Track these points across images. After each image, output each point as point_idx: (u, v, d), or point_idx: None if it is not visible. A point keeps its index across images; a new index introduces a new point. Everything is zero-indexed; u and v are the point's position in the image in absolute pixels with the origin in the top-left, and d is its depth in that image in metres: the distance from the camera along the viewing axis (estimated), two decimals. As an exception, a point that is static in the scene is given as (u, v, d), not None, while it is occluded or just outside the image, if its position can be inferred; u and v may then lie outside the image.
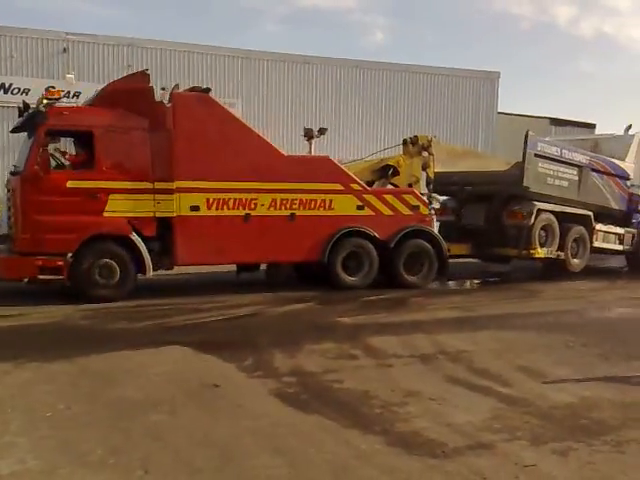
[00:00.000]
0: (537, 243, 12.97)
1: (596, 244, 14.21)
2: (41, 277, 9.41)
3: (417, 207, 11.75)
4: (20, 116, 10.26)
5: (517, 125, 26.10)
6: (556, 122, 31.76)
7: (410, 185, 12.38)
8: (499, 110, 29.22)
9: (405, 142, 12.86)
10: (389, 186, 12.55)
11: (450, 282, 13.14)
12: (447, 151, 14.41)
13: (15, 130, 10.85)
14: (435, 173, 13.13)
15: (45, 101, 9.81)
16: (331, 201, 11.06)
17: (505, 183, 13.23)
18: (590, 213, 13.96)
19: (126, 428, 4.65)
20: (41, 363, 6.40)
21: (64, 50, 19.62)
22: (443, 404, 5.32)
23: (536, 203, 12.92)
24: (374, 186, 12.35)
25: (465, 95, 27.61)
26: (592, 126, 29.71)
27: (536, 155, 12.79)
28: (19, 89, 18.11)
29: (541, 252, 13.07)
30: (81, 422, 4.79)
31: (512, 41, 64.18)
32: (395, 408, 5.19)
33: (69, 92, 19.95)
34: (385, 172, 12.62)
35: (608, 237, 14.62)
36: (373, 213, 11.40)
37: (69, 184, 9.56)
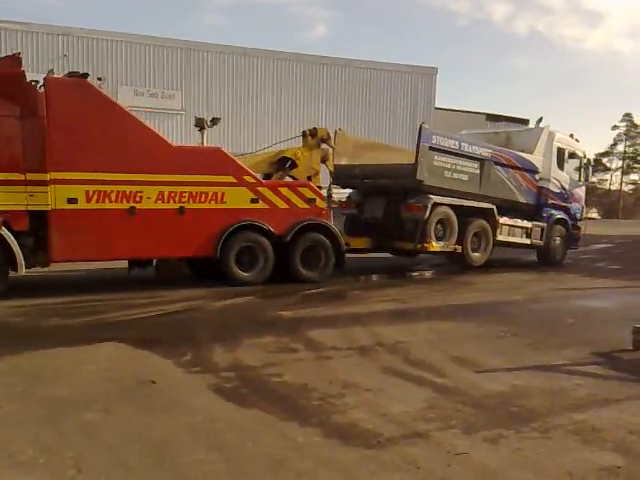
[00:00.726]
0: (433, 237, 12.99)
1: (500, 238, 14.32)
2: None
3: (313, 200, 11.50)
4: None
5: (454, 120, 26.68)
6: (492, 117, 32.63)
7: (309, 178, 12.12)
8: (437, 105, 29.77)
9: (304, 134, 12.61)
10: (287, 179, 12.36)
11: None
12: (354, 143, 14.58)
13: None
14: (337, 166, 13.31)
15: None
16: (223, 194, 10.69)
17: (400, 176, 13.14)
18: (493, 207, 14.02)
19: (58, 427, 4.54)
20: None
21: None
22: (379, 395, 5.41)
23: (432, 197, 12.86)
24: (272, 179, 12.15)
25: (404, 90, 28.03)
26: (525, 121, 30.67)
27: (431, 148, 12.79)
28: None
29: (436, 246, 13.10)
30: (12, 421, 4.65)
31: (449, 37, 65.37)
32: (333, 400, 5.25)
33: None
34: (283, 165, 12.37)
35: (514, 231, 14.72)
36: (267, 206, 11.08)
37: None
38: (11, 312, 8.62)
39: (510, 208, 14.58)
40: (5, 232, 9.14)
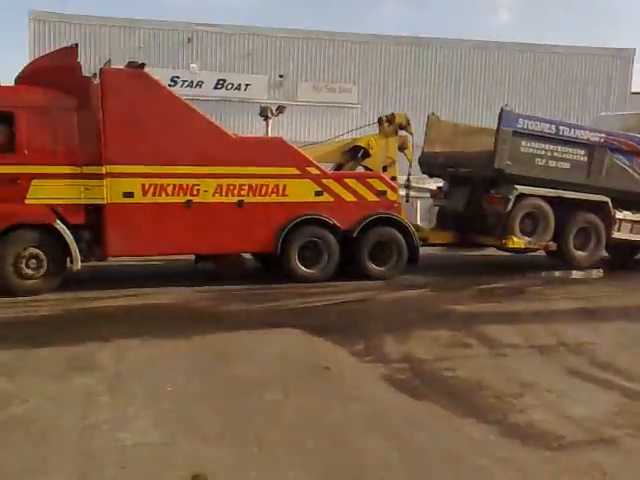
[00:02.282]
0: (517, 232, 11.40)
1: (618, 235, 12.13)
2: None
3: (384, 192, 10.67)
4: None
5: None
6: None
7: (384, 168, 11.19)
8: (633, 90, 27.45)
9: (380, 121, 11.60)
10: (360, 169, 11.52)
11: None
12: (452, 129, 13.37)
13: None
14: (426, 153, 12.50)
15: None
16: (285, 186, 10.09)
17: (480, 165, 11.72)
18: (606, 199, 11.92)
19: (241, 405, 4.82)
20: (163, 341, 6.71)
21: (188, 40, 20.23)
22: (562, 396, 5.10)
23: (517, 187, 11.32)
24: (343, 169, 11.42)
25: (594, 75, 26.12)
26: None
27: (516, 133, 11.24)
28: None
29: (519, 242, 11.43)
30: (199, 398, 5.01)
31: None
32: (509, 399, 5.04)
33: (192, 81, 20.77)
34: (355, 154, 11.47)
35: (639, 228, 12.32)
36: (333, 199, 10.38)
37: None
38: (196, 297, 9.21)
39: (630, 201, 12.34)
40: (60, 226, 9.21)
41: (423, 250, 11.14)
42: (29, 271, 8.97)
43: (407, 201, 11.77)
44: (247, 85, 21.61)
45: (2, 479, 3.70)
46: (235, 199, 9.83)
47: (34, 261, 8.99)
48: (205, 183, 9.67)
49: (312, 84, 23.58)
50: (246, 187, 9.89)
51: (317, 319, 7.96)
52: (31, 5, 31.25)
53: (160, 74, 18.63)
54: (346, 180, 10.58)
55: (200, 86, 20.96)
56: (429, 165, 12.96)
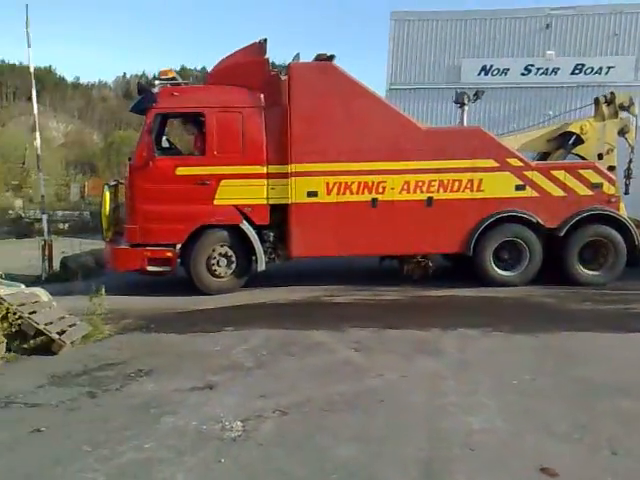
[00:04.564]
0: None
1: None
2: (150, 269, 8.95)
3: (599, 185, 9.32)
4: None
5: None
6: None
7: (600, 155, 9.82)
8: None
9: (597, 101, 10.25)
10: (570, 158, 10.11)
11: None
12: None
13: (131, 111, 10.20)
14: None
15: (157, 82, 9.21)
16: (480, 181, 9.19)
17: None
18: None
19: (591, 407, 4.49)
20: (506, 334, 6.65)
21: (547, 26, 19.56)
22: None
23: None
24: (550, 159, 10.16)
25: None
26: None
27: None
28: (498, 70, 18.88)
29: None
30: (545, 394, 4.78)
31: None
32: None
33: (547, 69, 20.13)
34: (565, 141, 10.14)
35: None
36: (537, 194, 9.29)
37: (178, 171, 8.95)
38: (545, 293, 8.88)
39: None
40: (246, 226, 9.09)
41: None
42: (220, 270, 9.13)
43: (626, 193, 10.04)
44: (609, 68, 20.00)
45: (361, 441, 4.11)
46: (424, 196, 9.22)
47: (224, 260, 9.14)
48: (391, 180, 9.20)
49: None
50: (436, 183, 9.21)
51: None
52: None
53: (512, 64, 18.48)
54: (553, 172, 9.43)
55: (555, 73, 20.10)
56: None
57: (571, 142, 10.21)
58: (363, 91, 9.21)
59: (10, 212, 20.90)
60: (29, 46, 10.65)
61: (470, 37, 18.82)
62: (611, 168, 9.76)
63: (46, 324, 6.17)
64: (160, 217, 8.87)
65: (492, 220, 9.28)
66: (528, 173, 9.35)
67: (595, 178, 9.43)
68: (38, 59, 65.09)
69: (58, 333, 6.15)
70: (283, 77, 9.06)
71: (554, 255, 9.47)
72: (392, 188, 9.18)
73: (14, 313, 6.00)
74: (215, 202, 9.02)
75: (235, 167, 9.00)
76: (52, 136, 42.76)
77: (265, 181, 9.07)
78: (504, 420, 4.31)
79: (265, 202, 9.11)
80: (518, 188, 9.32)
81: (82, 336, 6.49)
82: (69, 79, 62.66)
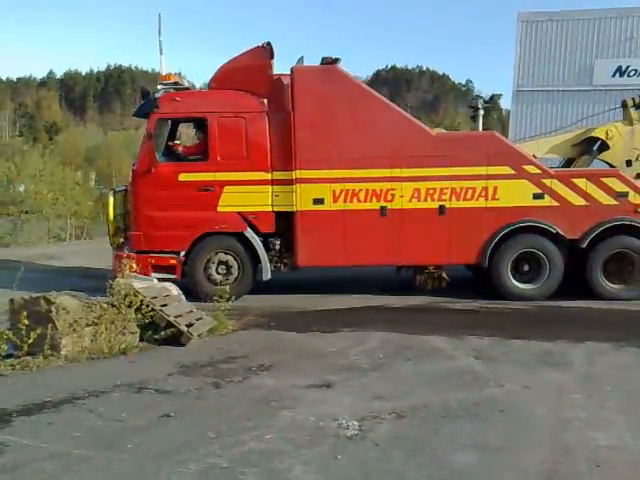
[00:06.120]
0: None
1: None
2: (154, 276, 8.70)
3: (624, 194, 8.85)
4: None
5: None
6: None
7: (629, 162, 9.45)
8: None
9: (624, 105, 9.78)
10: (598, 165, 9.77)
11: None
12: None
13: (134, 116, 10.11)
14: None
15: (159, 87, 9.06)
16: (495, 189, 8.81)
17: None
18: None
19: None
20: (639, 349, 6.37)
21: None
22: None
23: None
24: (574, 165, 9.72)
25: None
26: None
27: None
28: (635, 71, 17.93)
29: None
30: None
31: None
32: None
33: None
34: (589, 147, 9.71)
35: None
36: (557, 203, 8.87)
37: (180, 177, 8.85)
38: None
39: None
40: (250, 234, 8.85)
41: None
42: (218, 276, 9.00)
43: None
44: None
45: (480, 450, 4.02)
46: (435, 204, 8.88)
47: (223, 267, 9.02)
48: (401, 187, 8.86)
49: None
50: (448, 191, 8.90)
51: None
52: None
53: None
54: (574, 180, 8.96)
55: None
56: None
57: (596, 148, 9.74)
58: (369, 95, 9.04)
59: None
60: (161, 53, 11.29)
61: (604, 36, 17.90)
62: (639, 176, 9.24)
63: (176, 317, 6.58)
64: (163, 224, 8.83)
65: (508, 230, 8.90)
66: (547, 181, 8.97)
67: (620, 187, 8.97)
68: (170, 66, 68.70)
69: (186, 326, 6.53)
70: (286, 82, 8.91)
71: (576, 267, 8.95)
72: (401, 196, 8.93)
73: (147, 305, 6.42)
74: (219, 209, 8.93)
75: (239, 173, 8.88)
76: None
77: (270, 187, 8.93)
78: (633, 438, 4.17)
79: (270, 209, 8.97)
80: (536, 197, 8.95)
81: (207, 330, 6.84)
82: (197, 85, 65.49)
